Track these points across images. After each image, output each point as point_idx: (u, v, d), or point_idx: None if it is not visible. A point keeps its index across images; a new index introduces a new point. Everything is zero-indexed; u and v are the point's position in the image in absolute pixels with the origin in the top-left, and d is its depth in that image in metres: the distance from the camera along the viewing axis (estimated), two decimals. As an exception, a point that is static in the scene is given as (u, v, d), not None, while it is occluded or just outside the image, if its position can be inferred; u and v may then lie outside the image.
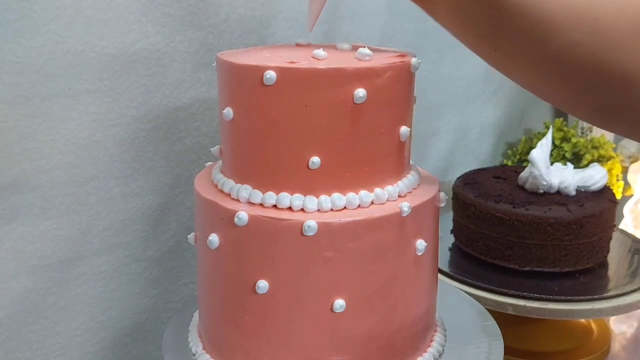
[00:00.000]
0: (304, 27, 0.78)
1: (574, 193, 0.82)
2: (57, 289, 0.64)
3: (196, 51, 0.68)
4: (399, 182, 0.51)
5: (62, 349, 0.66)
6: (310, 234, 0.46)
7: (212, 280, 0.53)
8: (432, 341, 0.56)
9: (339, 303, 0.47)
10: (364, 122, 0.48)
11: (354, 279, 0.48)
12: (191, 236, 0.55)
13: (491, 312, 0.64)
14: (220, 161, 0.55)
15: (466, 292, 0.71)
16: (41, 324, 0.64)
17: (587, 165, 0.98)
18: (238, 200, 0.50)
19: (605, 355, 0.82)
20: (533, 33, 0.41)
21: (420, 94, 0.56)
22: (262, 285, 0.47)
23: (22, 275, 0.61)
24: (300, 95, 0.47)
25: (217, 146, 0.55)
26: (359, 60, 0.48)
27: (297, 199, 0.48)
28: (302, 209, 0.48)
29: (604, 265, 0.83)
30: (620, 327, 0.89)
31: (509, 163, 1.13)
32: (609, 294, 0.76)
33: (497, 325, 0.61)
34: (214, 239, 0.49)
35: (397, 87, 0.50)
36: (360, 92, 0.46)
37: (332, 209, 0.48)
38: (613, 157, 1.08)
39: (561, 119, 1.12)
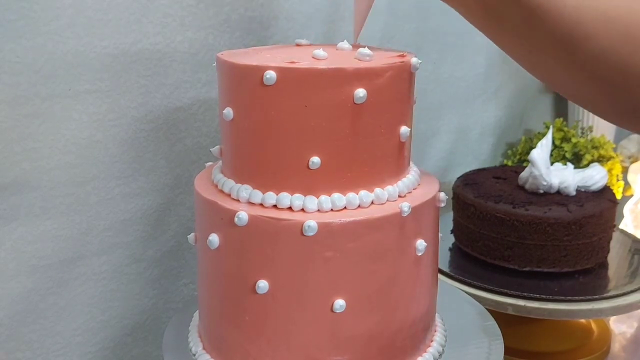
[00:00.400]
0: (304, 27, 0.78)
1: (574, 193, 0.82)
2: (57, 289, 0.64)
3: (196, 52, 0.68)
4: (399, 182, 0.51)
5: (62, 348, 0.66)
6: (311, 234, 0.46)
7: (212, 280, 0.53)
8: (432, 341, 0.56)
9: (339, 303, 0.47)
10: (364, 122, 0.48)
11: (354, 279, 0.48)
12: (191, 236, 0.55)
13: (491, 312, 0.64)
14: (220, 161, 0.55)
15: (466, 292, 0.71)
16: (41, 324, 0.64)
17: (587, 166, 0.98)
18: (238, 201, 0.50)
19: (605, 356, 0.82)
20: (565, 37, 0.42)
21: (420, 94, 0.56)
22: (262, 285, 0.47)
23: (22, 275, 0.61)
24: (300, 95, 0.47)
25: (217, 146, 0.55)
26: (359, 60, 0.48)
27: (297, 199, 0.48)
28: (302, 209, 0.48)
29: (604, 265, 0.83)
30: (620, 327, 0.89)
31: (509, 163, 1.13)
32: (609, 294, 0.76)
33: (497, 325, 0.61)
34: (214, 239, 0.50)
35: (397, 87, 0.50)
36: (361, 92, 0.46)
37: (332, 209, 0.48)
38: (613, 157, 1.08)
39: (561, 119, 1.12)
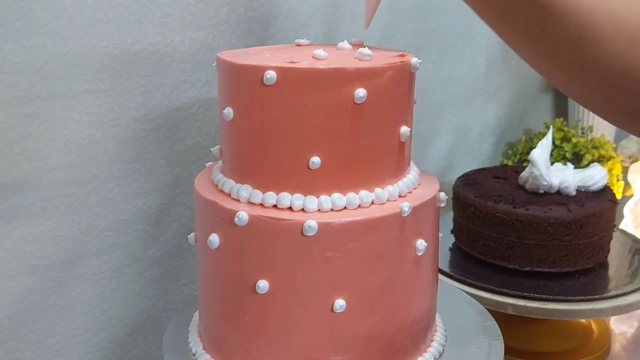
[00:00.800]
0: (304, 27, 0.78)
1: (574, 193, 0.82)
2: (57, 289, 0.64)
3: (196, 51, 0.68)
4: (399, 182, 0.51)
5: (62, 349, 0.66)
6: (311, 234, 0.46)
7: (212, 280, 0.53)
8: (432, 341, 0.56)
9: (339, 303, 0.47)
10: (364, 122, 0.48)
11: (354, 279, 0.48)
12: (191, 236, 0.55)
13: (491, 312, 0.64)
14: (221, 161, 0.55)
15: (466, 292, 0.71)
16: (41, 324, 0.64)
17: (587, 165, 0.98)
18: (238, 200, 0.50)
19: (605, 356, 0.82)
20: (577, 38, 0.42)
21: (420, 94, 0.56)
22: (262, 285, 0.47)
23: (22, 275, 0.61)
24: (300, 95, 0.47)
25: (217, 146, 0.55)
26: (359, 60, 0.48)
27: (298, 199, 0.48)
28: (303, 209, 0.48)
29: (604, 265, 0.83)
30: (621, 327, 0.89)
31: (509, 163, 1.13)
32: (609, 294, 0.76)
33: (497, 325, 0.61)
34: (214, 239, 0.49)
35: (398, 87, 0.50)
36: (361, 92, 0.46)
37: (332, 209, 0.48)
38: (613, 157, 1.08)
39: (561, 119, 1.12)
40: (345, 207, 0.48)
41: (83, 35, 0.60)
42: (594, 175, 0.83)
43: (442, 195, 0.54)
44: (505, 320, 0.66)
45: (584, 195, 0.82)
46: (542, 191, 0.82)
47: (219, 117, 0.52)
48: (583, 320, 0.87)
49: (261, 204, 0.49)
